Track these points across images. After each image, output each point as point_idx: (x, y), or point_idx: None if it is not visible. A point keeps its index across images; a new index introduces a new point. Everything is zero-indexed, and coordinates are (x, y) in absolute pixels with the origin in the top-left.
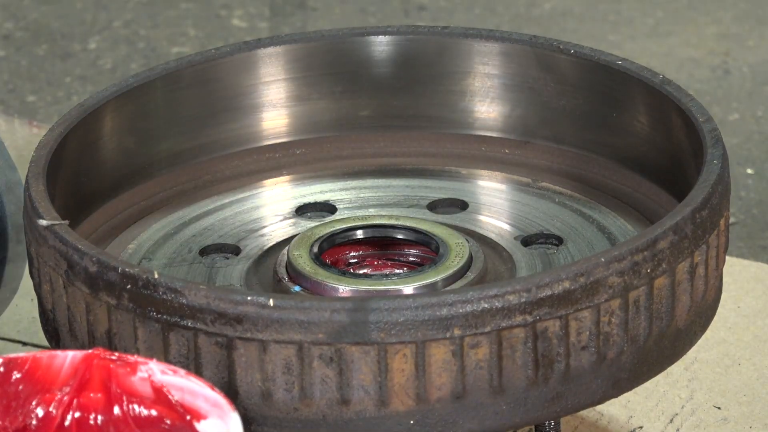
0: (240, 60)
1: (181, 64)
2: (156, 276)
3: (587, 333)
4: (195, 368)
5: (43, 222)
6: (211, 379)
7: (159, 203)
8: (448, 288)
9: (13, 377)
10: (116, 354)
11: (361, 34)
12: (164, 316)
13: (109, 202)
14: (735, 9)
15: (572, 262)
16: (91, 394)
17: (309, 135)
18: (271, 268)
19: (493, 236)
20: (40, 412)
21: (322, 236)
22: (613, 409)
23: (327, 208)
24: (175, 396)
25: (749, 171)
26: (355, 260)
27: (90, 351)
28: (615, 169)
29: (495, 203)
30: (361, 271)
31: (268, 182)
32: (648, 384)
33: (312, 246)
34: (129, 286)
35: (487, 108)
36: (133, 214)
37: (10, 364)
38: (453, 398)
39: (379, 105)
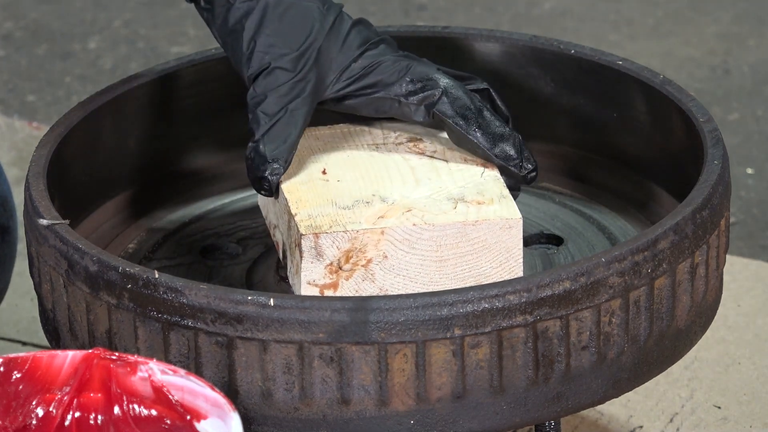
0: None
1: (181, 64)
2: (156, 275)
3: (588, 333)
4: (195, 368)
5: (44, 221)
6: (212, 379)
7: (159, 203)
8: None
9: (13, 377)
10: (116, 354)
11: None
12: (164, 316)
13: (109, 202)
14: (735, 9)
15: (572, 262)
16: (91, 394)
17: None
18: (272, 268)
19: None
20: (40, 412)
21: None
22: (613, 408)
23: None
24: (175, 396)
25: (749, 171)
26: None
27: (90, 351)
28: (615, 169)
29: None
30: None
31: None
32: (648, 383)
33: None
34: (129, 286)
35: None
36: (133, 214)
37: (10, 364)
38: (453, 398)
39: None
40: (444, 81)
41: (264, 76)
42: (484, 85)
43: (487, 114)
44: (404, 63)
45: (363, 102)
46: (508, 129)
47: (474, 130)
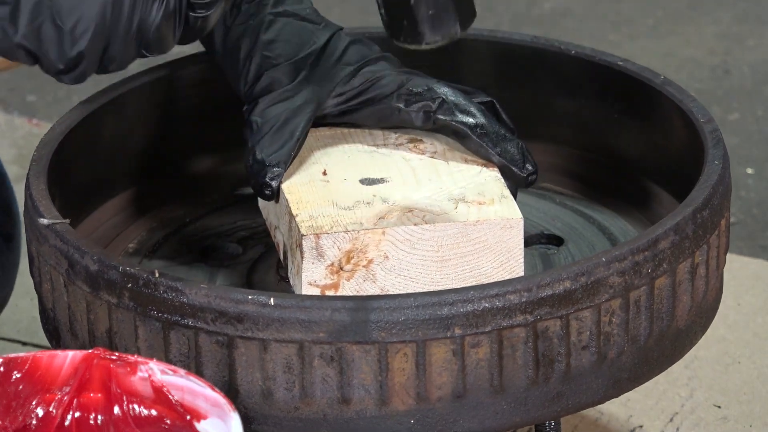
0: None
1: (181, 64)
2: (156, 275)
3: (588, 333)
4: (195, 367)
5: (44, 221)
6: (212, 379)
7: (159, 203)
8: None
9: (13, 377)
10: (116, 354)
11: (362, 34)
12: (165, 315)
13: (109, 202)
14: (735, 9)
15: (573, 261)
16: (91, 394)
17: None
18: (272, 268)
19: None
20: (40, 412)
21: None
22: (612, 407)
23: None
24: (175, 396)
25: (749, 171)
26: None
27: (90, 351)
28: (615, 169)
29: None
30: None
31: None
32: (648, 383)
33: None
34: (129, 285)
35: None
36: (133, 214)
37: (10, 364)
38: (453, 398)
39: None
40: (443, 90)
41: (258, 86)
42: (488, 98)
43: (488, 116)
44: (403, 77)
45: (364, 115)
46: (509, 133)
47: (476, 129)
